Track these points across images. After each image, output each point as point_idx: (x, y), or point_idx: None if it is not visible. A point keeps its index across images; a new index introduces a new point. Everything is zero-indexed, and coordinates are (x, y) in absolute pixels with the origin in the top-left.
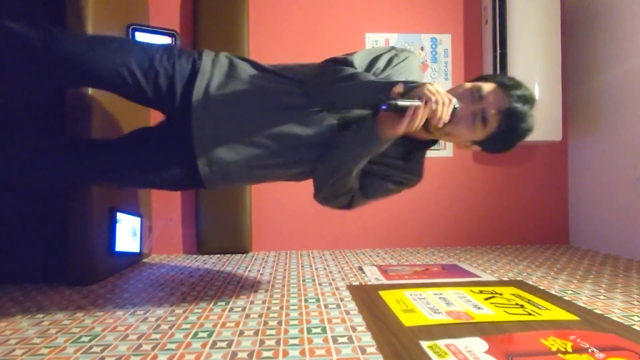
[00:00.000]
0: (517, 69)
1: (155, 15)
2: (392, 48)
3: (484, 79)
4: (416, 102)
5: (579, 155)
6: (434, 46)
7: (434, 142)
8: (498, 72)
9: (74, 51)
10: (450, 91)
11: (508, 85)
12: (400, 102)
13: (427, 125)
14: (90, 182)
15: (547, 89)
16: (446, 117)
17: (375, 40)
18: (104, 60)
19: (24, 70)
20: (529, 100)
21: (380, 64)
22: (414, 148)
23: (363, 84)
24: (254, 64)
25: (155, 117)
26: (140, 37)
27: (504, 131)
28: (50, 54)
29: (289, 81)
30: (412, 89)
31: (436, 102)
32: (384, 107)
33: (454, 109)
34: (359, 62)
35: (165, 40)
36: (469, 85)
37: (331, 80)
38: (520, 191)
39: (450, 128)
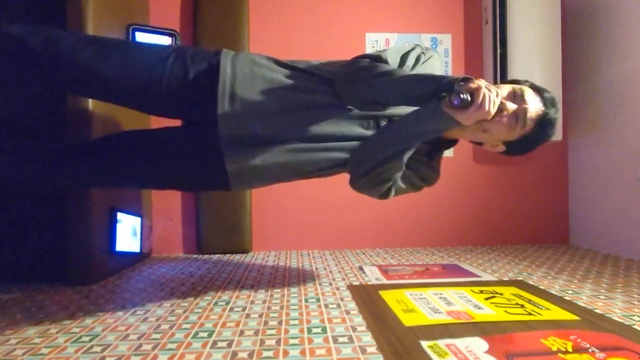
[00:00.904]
0: (518, 68)
1: (155, 15)
2: (417, 46)
3: (516, 82)
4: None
5: (579, 155)
6: (434, 46)
7: (454, 142)
8: (498, 72)
9: (78, 65)
10: None
11: (540, 89)
12: (467, 97)
13: None
14: (96, 187)
15: (548, 88)
16: (495, 107)
17: (376, 40)
18: (113, 73)
19: (25, 79)
20: (556, 105)
21: (410, 62)
22: (437, 147)
23: (406, 78)
24: (277, 62)
25: (154, 119)
26: (141, 37)
27: (535, 134)
28: (54, 65)
29: (316, 79)
30: (464, 81)
31: (494, 94)
32: (456, 102)
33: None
34: (391, 59)
35: (166, 40)
36: (509, 86)
37: (368, 77)
38: (520, 191)
39: (491, 125)
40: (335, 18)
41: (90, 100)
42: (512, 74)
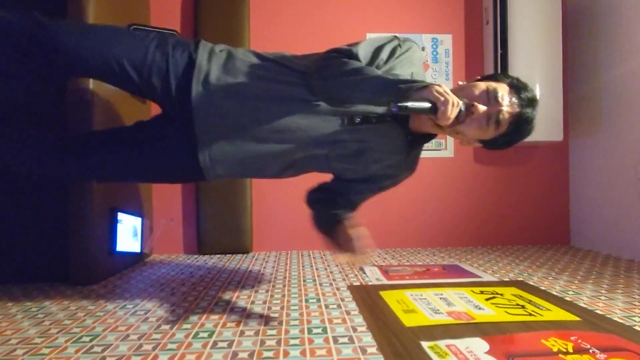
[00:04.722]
0: (518, 69)
1: (156, 15)
2: (395, 37)
3: (495, 78)
4: (425, 105)
5: (580, 155)
6: (435, 46)
7: (432, 136)
8: (499, 72)
9: (64, 42)
10: (465, 89)
11: (518, 87)
12: (411, 105)
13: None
14: (89, 180)
15: (548, 89)
16: (453, 116)
17: None
18: (94, 51)
19: (12, 59)
20: (534, 103)
21: (384, 54)
22: (415, 142)
23: (370, 80)
24: (253, 53)
25: (155, 108)
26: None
27: (511, 132)
28: (38, 44)
29: (290, 71)
30: (420, 89)
31: (444, 103)
32: (394, 109)
33: (460, 110)
34: (363, 53)
35: None
36: (484, 85)
37: (336, 74)
38: (521, 191)
39: (462, 127)
40: (336, 18)
41: (90, 90)
42: (512, 74)
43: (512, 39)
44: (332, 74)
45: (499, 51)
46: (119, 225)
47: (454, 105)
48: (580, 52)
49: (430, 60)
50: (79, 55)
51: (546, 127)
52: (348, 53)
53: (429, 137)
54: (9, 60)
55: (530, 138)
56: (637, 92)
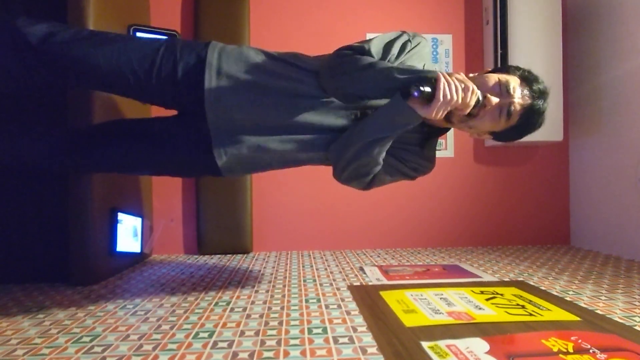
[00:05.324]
0: None
1: (156, 15)
2: (404, 32)
3: (506, 70)
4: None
5: (580, 155)
6: (435, 46)
7: (446, 130)
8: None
9: (73, 56)
10: (477, 80)
11: (529, 80)
12: (431, 89)
13: (449, 116)
14: (95, 172)
15: (548, 89)
16: (472, 104)
17: None
18: (105, 64)
19: (20, 70)
20: (546, 95)
21: (394, 50)
22: (429, 136)
23: (386, 71)
24: (264, 53)
25: (155, 107)
26: (141, 37)
27: (522, 124)
28: (48, 57)
29: (301, 70)
30: (437, 78)
31: (465, 89)
32: (415, 93)
33: (478, 99)
34: (375, 50)
35: None
36: (496, 77)
37: (352, 69)
38: (521, 192)
39: (475, 122)
40: (335, 18)
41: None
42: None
43: (512, 39)
44: (346, 70)
45: (499, 51)
46: (119, 226)
47: (473, 93)
48: (581, 52)
49: (431, 60)
50: (89, 69)
51: (546, 127)
52: (360, 50)
53: (442, 130)
54: (14, 70)
55: (530, 138)
56: (637, 92)
